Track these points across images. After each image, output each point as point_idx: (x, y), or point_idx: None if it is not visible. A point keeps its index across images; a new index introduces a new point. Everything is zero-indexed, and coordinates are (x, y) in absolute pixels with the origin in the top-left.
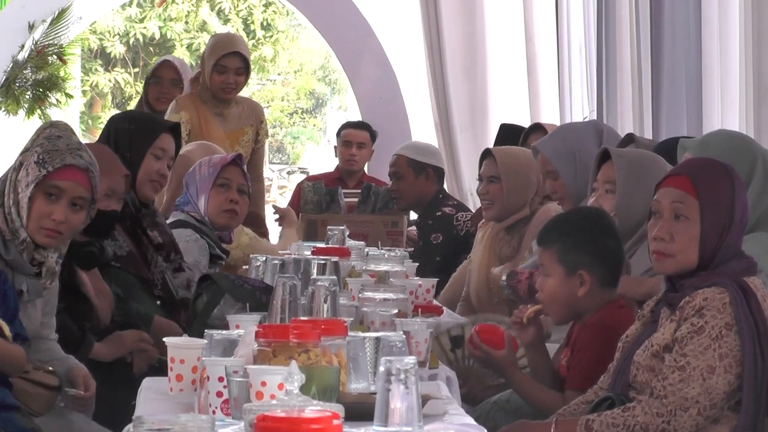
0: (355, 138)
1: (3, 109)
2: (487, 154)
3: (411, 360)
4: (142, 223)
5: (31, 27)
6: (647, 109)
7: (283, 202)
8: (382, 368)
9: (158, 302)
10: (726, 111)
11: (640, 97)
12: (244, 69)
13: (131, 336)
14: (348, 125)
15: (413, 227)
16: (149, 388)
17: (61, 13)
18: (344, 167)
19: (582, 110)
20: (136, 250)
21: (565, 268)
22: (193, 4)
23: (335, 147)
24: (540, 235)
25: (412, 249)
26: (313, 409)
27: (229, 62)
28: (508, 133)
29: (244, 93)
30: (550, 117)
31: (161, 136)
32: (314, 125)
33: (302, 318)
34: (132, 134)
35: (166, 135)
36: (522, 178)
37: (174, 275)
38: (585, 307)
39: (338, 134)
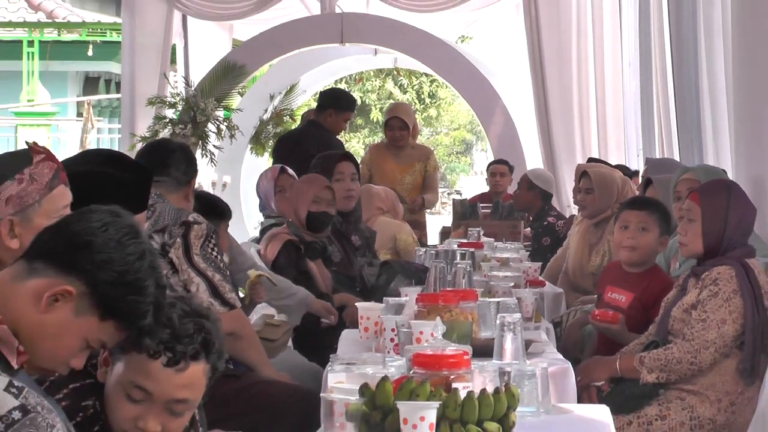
0: (498, 170)
1: (254, 152)
2: (584, 173)
3: (517, 315)
4: (345, 233)
5: (272, 97)
6: (677, 144)
7: (445, 214)
8: (498, 321)
9: (358, 289)
10: (718, 146)
11: (669, 134)
12: (404, 126)
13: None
14: (494, 162)
15: (528, 228)
16: (346, 338)
17: (292, 88)
18: (493, 190)
19: (636, 147)
20: (344, 256)
21: (660, 230)
22: (382, 80)
23: (486, 179)
24: (642, 202)
25: (528, 243)
26: (451, 349)
27: (393, 123)
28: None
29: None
30: (615, 152)
31: (337, 165)
32: (465, 161)
33: (448, 289)
34: (320, 169)
35: (341, 162)
36: (608, 191)
37: (369, 269)
38: (650, 263)
39: (488, 168)
